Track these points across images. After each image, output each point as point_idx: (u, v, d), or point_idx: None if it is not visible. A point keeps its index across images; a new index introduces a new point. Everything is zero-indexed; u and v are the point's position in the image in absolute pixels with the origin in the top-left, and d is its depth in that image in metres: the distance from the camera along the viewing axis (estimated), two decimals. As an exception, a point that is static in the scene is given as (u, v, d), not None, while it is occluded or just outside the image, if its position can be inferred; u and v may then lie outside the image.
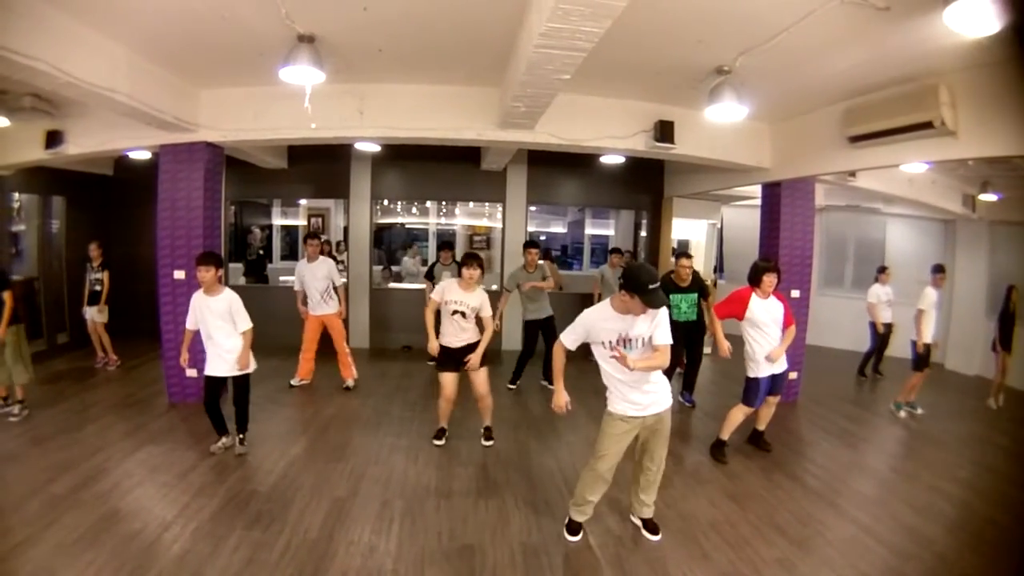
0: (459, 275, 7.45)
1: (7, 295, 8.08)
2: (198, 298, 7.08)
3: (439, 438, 7.93)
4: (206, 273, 6.89)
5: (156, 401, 9.36)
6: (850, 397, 11.42)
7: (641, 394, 5.19)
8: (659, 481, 5.65)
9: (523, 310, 10.55)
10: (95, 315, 11.27)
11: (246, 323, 7.11)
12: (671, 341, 5.15)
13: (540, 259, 10.67)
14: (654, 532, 5.65)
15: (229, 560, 5.03)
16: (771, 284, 7.27)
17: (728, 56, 6.75)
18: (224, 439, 7.46)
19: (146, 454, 7.29)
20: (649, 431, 5.39)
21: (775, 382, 7.60)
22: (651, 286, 4.75)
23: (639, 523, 5.80)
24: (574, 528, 5.66)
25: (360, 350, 13.40)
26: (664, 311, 5.08)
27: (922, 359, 9.79)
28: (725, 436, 7.78)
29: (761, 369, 7.42)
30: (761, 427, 7.98)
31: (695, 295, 9.43)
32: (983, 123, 6.62)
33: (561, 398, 5.50)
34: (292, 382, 10.38)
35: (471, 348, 7.50)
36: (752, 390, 7.53)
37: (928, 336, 9.70)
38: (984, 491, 7.09)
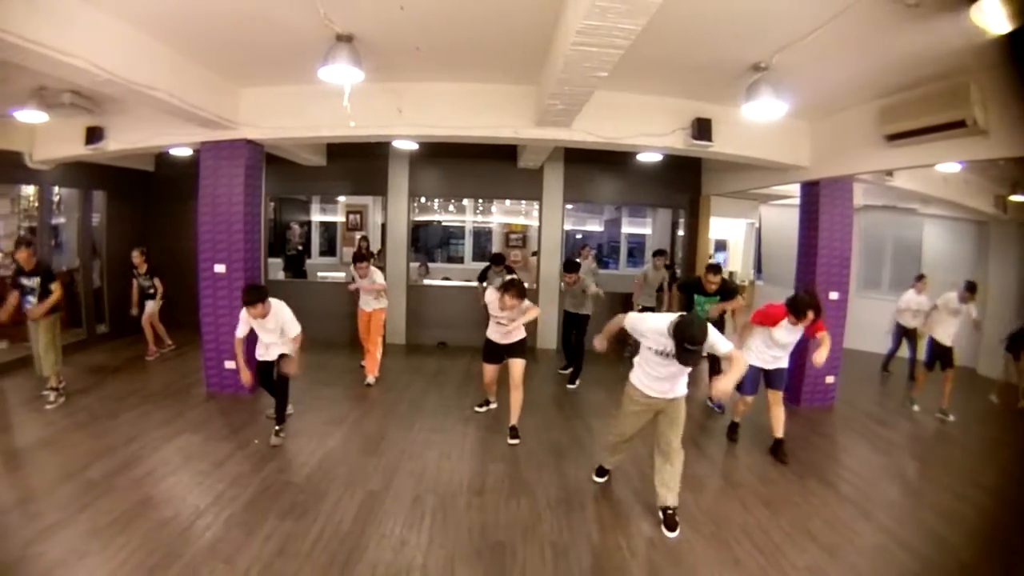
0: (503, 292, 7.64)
1: (55, 286, 8.41)
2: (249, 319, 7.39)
3: (481, 406, 9.12)
4: (254, 310, 7.19)
5: (194, 391, 9.50)
6: (886, 402, 11.25)
7: (659, 383, 5.72)
8: (678, 470, 5.75)
9: (564, 302, 10.81)
10: (147, 306, 11.58)
11: (295, 328, 7.48)
12: (731, 345, 5.53)
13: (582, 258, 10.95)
14: (671, 528, 5.69)
15: (261, 549, 5.09)
16: (810, 320, 7.30)
17: (765, 53, 6.69)
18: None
19: (183, 442, 7.41)
20: (662, 415, 5.86)
21: (770, 376, 7.76)
22: (688, 345, 5.08)
23: (660, 515, 5.84)
24: (600, 472, 6.82)
25: (396, 346, 13.58)
26: (713, 333, 5.37)
27: (933, 357, 10.09)
28: (737, 418, 8.45)
29: (749, 357, 7.63)
30: (778, 434, 7.82)
31: (717, 299, 9.44)
32: (1012, 122, 6.54)
33: (602, 342, 6.21)
34: (368, 381, 10.39)
35: (517, 345, 7.94)
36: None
37: (942, 337, 9.98)
38: (1009, 498, 7.05)
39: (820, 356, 7.29)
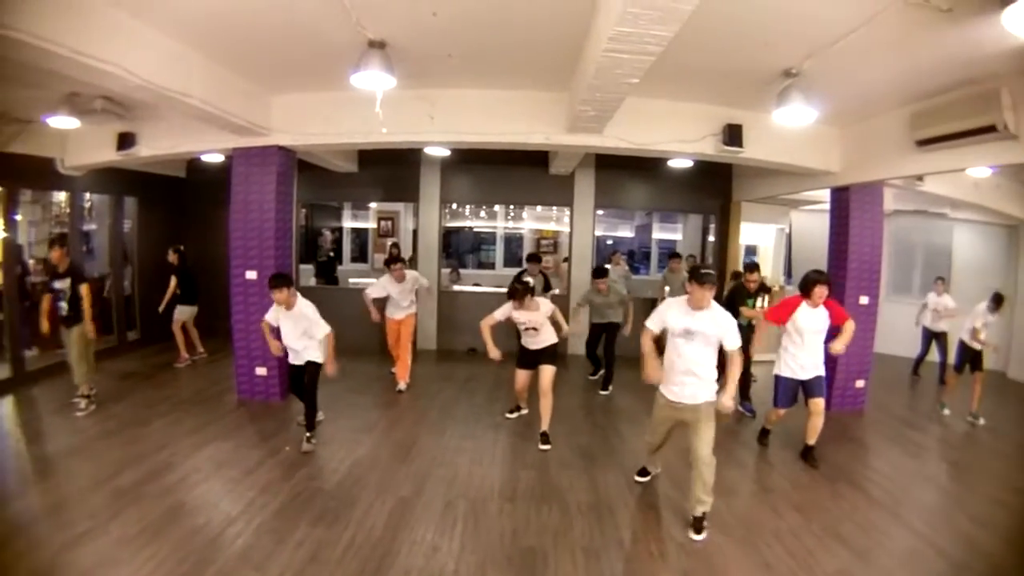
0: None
1: (84, 289, 8.51)
2: (277, 309, 7.49)
3: (512, 412, 9.13)
4: (279, 294, 7.25)
5: (225, 398, 9.55)
6: (917, 406, 11.20)
7: (678, 385, 5.89)
8: (707, 480, 5.69)
9: (591, 314, 10.76)
10: (178, 313, 11.70)
11: (323, 329, 7.47)
12: (739, 343, 5.77)
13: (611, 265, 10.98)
14: (696, 531, 5.73)
15: (292, 556, 5.11)
16: (821, 295, 7.31)
17: (795, 58, 6.67)
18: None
19: (213, 450, 7.44)
20: (688, 424, 5.91)
21: (809, 386, 7.64)
22: (701, 271, 5.70)
23: (691, 519, 5.86)
24: (642, 472, 7.00)
25: (427, 352, 13.65)
26: (729, 319, 5.79)
27: (963, 360, 10.06)
28: (769, 426, 8.36)
29: (782, 368, 7.74)
30: (810, 441, 7.76)
31: (760, 300, 9.43)
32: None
33: (651, 372, 6.11)
34: (400, 387, 10.41)
35: (547, 351, 7.97)
36: (776, 388, 7.86)
37: (971, 341, 9.89)
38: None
39: (838, 344, 7.39)
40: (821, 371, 7.60)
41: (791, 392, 7.73)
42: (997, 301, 9.76)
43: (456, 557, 5.23)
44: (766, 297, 9.57)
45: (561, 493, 6.60)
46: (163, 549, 5.11)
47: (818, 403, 7.59)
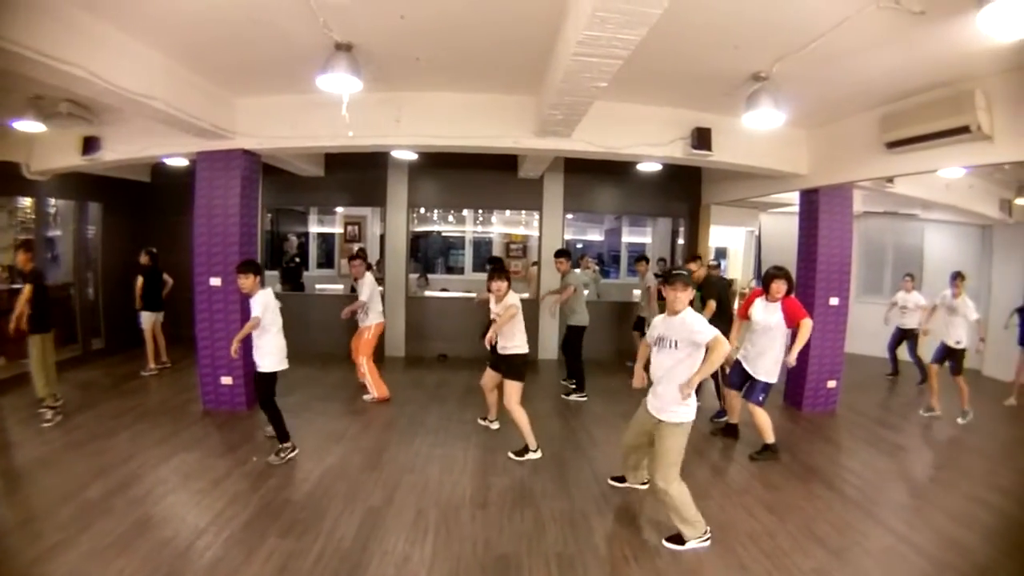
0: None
1: (27, 287, 8.47)
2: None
3: (483, 419, 8.94)
4: (244, 280, 7.14)
5: (190, 408, 9.41)
6: (888, 405, 11.31)
7: (653, 394, 5.86)
8: (673, 507, 5.59)
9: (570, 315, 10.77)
10: (144, 317, 11.55)
11: (253, 311, 7.23)
12: (715, 332, 5.46)
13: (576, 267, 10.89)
14: (673, 543, 5.65)
15: (262, 568, 5.02)
16: (778, 291, 7.50)
17: (765, 62, 6.70)
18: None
19: (179, 461, 7.32)
20: (654, 435, 5.81)
21: (749, 386, 7.85)
22: (672, 271, 5.86)
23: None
24: (619, 477, 6.91)
25: (396, 358, 13.55)
26: (692, 315, 5.60)
27: (943, 357, 10.07)
28: (733, 419, 8.71)
29: (740, 352, 8.07)
30: (768, 439, 7.87)
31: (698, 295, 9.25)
32: (1019, 127, 6.54)
33: (635, 378, 6.42)
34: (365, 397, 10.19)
35: (511, 361, 7.73)
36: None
37: (948, 339, 9.95)
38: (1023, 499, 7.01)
39: (792, 355, 7.49)
40: (767, 378, 7.73)
41: (739, 374, 7.99)
42: (958, 276, 9.97)
43: (428, 566, 5.17)
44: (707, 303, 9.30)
45: (534, 499, 6.55)
46: (133, 562, 5.03)
47: (753, 407, 7.78)
